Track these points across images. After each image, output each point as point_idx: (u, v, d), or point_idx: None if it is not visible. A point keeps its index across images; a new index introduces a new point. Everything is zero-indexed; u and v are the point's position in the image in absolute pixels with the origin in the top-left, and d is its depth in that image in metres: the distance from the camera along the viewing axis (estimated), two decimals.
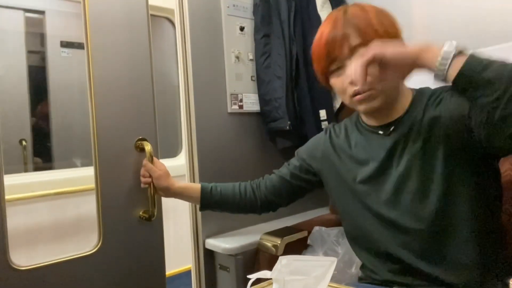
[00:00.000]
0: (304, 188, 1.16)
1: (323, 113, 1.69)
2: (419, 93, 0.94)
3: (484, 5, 1.40)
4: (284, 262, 0.71)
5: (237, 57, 1.69)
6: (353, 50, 0.87)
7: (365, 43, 0.84)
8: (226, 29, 1.65)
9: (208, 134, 1.60)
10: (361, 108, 0.91)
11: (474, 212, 0.84)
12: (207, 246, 1.57)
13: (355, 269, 1.26)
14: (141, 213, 1.36)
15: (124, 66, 1.34)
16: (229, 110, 1.66)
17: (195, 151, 1.56)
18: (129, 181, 1.34)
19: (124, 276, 1.35)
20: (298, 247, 1.44)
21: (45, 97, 2.39)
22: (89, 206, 1.83)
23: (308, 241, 1.42)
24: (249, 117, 1.73)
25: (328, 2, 1.74)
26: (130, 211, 1.35)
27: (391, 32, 0.88)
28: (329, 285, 0.70)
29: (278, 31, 1.67)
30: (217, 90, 1.64)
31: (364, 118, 1.00)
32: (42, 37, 2.45)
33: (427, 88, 0.95)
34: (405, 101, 0.93)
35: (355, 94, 0.88)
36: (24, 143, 2.27)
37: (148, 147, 1.32)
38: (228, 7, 1.66)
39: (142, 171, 1.24)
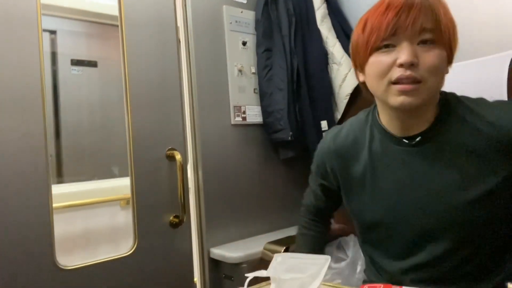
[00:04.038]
0: (338, 197, 1.03)
1: (324, 124, 1.73)
2: (448, 103, 0.84)
3: (479, 15, 1.43)
4: (279, 259, 0.73)
5: (240, 71, 1.74)
6: (421, 32, 0.75)
7: (437, 30, 0.75)
8: (229, 44, 1.71)
9: (212, 145, 1.64)
10: (399, 99, 0.76)
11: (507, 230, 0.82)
12: (212, 256, 1.59)
13: (358, 274, 1.28)
14: (172, 218, 1.48)
15: (156, 81, 1.49)
16: (232, 122, 1.71)
17: (200, 163, 1.60)
18: (160, 188, 1.47)
19: (156, 276, 1.46)
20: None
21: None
22: (100, 218, 1.92)
23: None
24: (252, 129, 1.77)
25: (328, 17, 1.79)
26: (162, 216, 1.48)
27: (454, 28, 0.79)
28: (322, 283, 0.72)
29: (279, 45, 1.73)
30: (220, 103, 1.69)
31: (384, 120, 0.87)
32: (54, 56, 2.55)
33: (454, 97, 0.85)
34: (433, 111, 0.82)
35: (400, 81, 0.75)
36: (50, 157, 2.34)
37: (178, 156, 1.46)
38: (231, 23, 1.72)
39: None
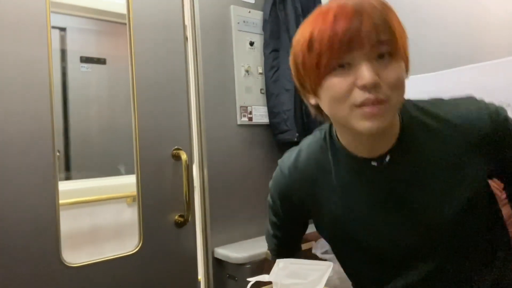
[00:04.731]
0: (301, 232, 0.97)
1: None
2: (407, 114, 0.76)
3: (492, 19, 1.41)
4: (281, 265, 0.73)
5: (247, 71, 1.74)
6: (378, 45, 0.65)
7: (393, 41, 0.65)
8: (236, 44, 1.71)
9: (218, 145, 1.65)
10: (366, 125, 0.66)
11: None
12: (216, 255, 1.59)
13: None
14: (177, 217, 1.48)
15: (163, 80, 1.49)
16: (238, 122, 1.71)
17: (205, 163, 1.60)
18: (166, 187, 1.47)
19: (161, 275, 1.46)
20: (305, 257, 1.45)
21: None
22: (107, 215, 1.94)
23: (312, 251, 1.44)
24: (258, 129, 1.77)
25: None
26: (167, 215, 1.48)
27: (407, 44, 0.71)
28: None
29: (286, 46, 1.72)
30: (227, 103, 1.69)
31: (346, 143, 0.78)
32: (63, 53, 2.57)
33: (409, 104, 0.78)
34: (396, 125, 0.75)
35: (365, 104, 0.65)
36: (58, 153, 2.36)
37: (184, 155, 1.45)
38: (238, 23, 1.72)
39: None
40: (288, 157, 0.87)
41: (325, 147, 0.81)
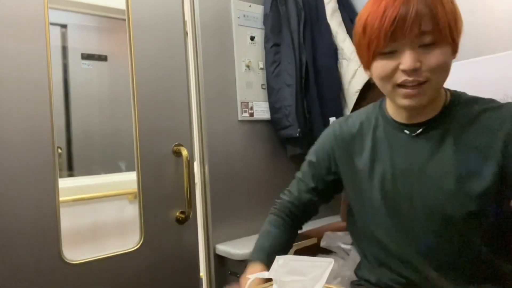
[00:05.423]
0: (330, 190, 1.03)
1: (333, 121, 1.70)
2: (457, 97, 0.86)
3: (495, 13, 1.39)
4: (281, 262, 0.72)
5: (248, 66, 1.72)
6: (420, 36, 0.74)
7: (436, 31, 0.74)
8: (236, 39, 1.69)
9: (219, 141, 1.63)
10: (405, 102, 0.79)
11: (497, 231, 0.82)
12: (218, 252, 1.59)
13: None
14: (178, 213, 1.49)
15: (163, 76, 1.49)
16: (239, 118, 1.70)
17: (206, 159, 1.59)
18: (167, 184, 1.48)
19: (162, 272, 1.47)
20: (307, 254, 1.44)
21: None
22: (108, 212, 1.94)
23: (321, 244, 1.43)
24: (260, 125, 1.76)
25: (338, 11, 1.76)
26: (169, 211, 1.49)
27: (457, 22, 0.78)
28: (325, 286, 0.71)
29: (288, 40, 1.70)
30: (228, 98, 1.68)
31: (391, 110, 0.90)
32: (64, 50, 2.56)
33: (465, 94, 0.87)
34: (440, 101, 0.84)
35: (405, 85, 0.76)
36: (59, 150, 2.36)
37: (184, 152, 1.46)
38: (239, 17, 1.70)
39: None
40: (340, 118, 1.02)
41: (372, 112, 0.95)
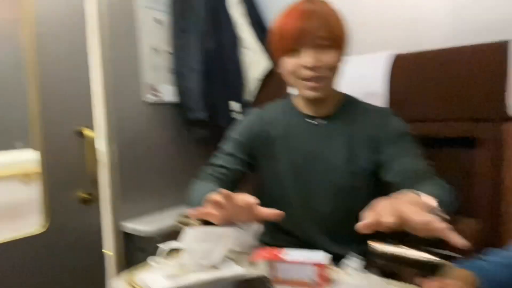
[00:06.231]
0: (243, 172, 1.14)
1: (236, 105, 1.84)
2: (349, 97, 1.11)
3: (366, 18, 1.62)
4: (191, 231, 0.82)
5: (154, 49, 1.75)
6: (319, 40, 0.96)
7: (331, 38, 0.97)
8: (142, 21, 1.70)
9: (127, 123, 1.66)
10: (309, 93, 1.01)
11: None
12: (125, 230, 1.64)
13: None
14: (83, 194, 1.52)
15: (66, 57, 1.47)
16: (146, 100, 1.73)
17: (113, 139, 1.61)
18: (71, 164, 1.49)
19: (68, 253, 1.49)
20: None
21: None
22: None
23: None
24: (166, 107, 1.82)
25: (242, 3, 1.87)
26: (73, 192, 1.51)
27: (346, 33, 1.02)
28: (229, 251, 0.84)
29: (193, 26, 1.76)
30: (133, 81, 1.70)
31: (300, 104, 1.10)
32: None
33: (353, 97, 1.11)
34: (336, 98, 1.08)
35: (307, 79, 0.98)
36: None
37: (88, 132, 1.49)
38: None
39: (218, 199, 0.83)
40: (260, 108, 1.19)
41: (285, 105, 1.15)
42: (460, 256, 0.82)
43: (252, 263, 0.79)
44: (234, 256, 0.85)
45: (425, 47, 1.36)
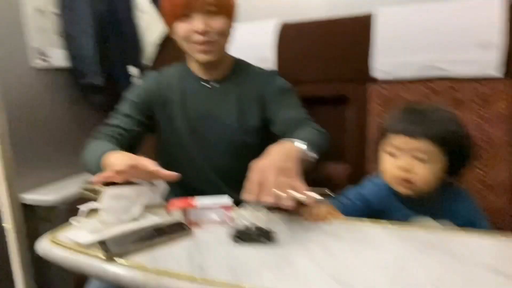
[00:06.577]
0: (141, 133, 1.18)
1: (133, 70, 1.84)
2: (238, 61, 1.21)
3: None
4: (108, 191, 0.88)
5: (39, 10, 1.64)
6: (207, 5, 1.03)
7: (217, 3, 1.04)
8: None
9: (14, 89, 1.56)
10: (201, 57, 1.09)
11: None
12: (25, 201, 1.59)
13: None
14: None
15: None
16: (34, 65, 1.64)
17: (2, 107, 1.51)
18: None
19: None
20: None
21: None
22: None
23: None
24: (58, 73, 1.74)
25: None
26: None
27: (235, 4, 1.11)
28: (146, 209, 0.93)
29: None
30: (18, 46, 1.58)
31: (194, 68, 1.19)
32: None
33: (244, 61, 1.23)
34: (228, 62, 1.18)
35: (197, 43, 1.06)
36: None
37: None
38: None
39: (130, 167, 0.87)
40: (156, 71, 1.24)
41: (181, 69, 1.21)
42: (332, 194, 1.05)
43: (168, 213, 0.90)
44: (151, 210, 0.95)
45: (310, 16, 1.56)
